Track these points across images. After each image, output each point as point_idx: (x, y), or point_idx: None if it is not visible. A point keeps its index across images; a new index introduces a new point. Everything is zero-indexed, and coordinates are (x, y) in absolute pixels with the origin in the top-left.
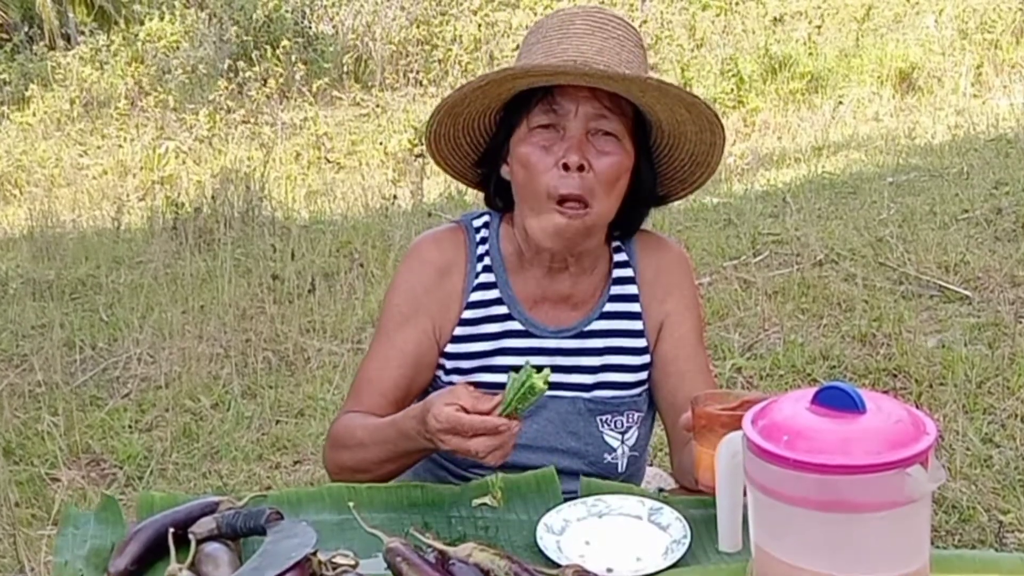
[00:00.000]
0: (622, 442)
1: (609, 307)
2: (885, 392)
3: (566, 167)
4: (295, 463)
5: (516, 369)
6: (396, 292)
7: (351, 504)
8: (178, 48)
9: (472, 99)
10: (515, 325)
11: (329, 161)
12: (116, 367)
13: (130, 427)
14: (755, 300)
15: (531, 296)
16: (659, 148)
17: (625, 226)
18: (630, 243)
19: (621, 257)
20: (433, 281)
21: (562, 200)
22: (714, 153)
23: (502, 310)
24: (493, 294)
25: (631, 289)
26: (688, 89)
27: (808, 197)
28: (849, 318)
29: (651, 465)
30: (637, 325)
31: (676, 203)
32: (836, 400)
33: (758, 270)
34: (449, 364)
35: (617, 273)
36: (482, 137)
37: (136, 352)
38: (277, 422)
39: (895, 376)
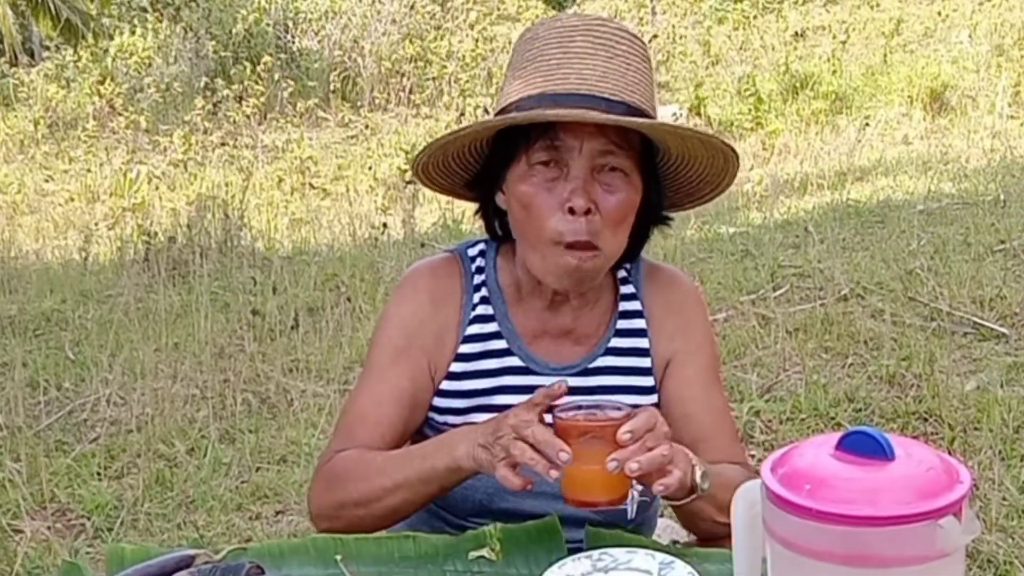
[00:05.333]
0: (632, 486)
1: (615, 342)
2: (915, 437)
3: (572, 211)
4: (277, 513)
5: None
6: (388, 324)
7: (338, 558)
8: (151, 65)
9: (467, 138)
10: (515, 361)
11: (314, 187)
12: (83, 409)
13: (99, 474)
14: (775, 338)
15: (531, 330)
16: (667, 167)
17: (628, 251)
18: (637, 274)
19: (628, 289)
20: (428, 313)
21: (569, 246)
22: (726, 176)
23: (500, 344)
24: (491, 327)
25: (639, 323)
26: (703, 109)
27: (832, 226)
28: (876, 357)
29: (662, 516)
30: (645, 362)
31: (690, 233)
32: (862, 446)
33: (778, 305)
34: (443, 403)
35: (624, 306)
36: (474, 160)
37: (105, 393)
38: (258, 469)
39: (926, 420)
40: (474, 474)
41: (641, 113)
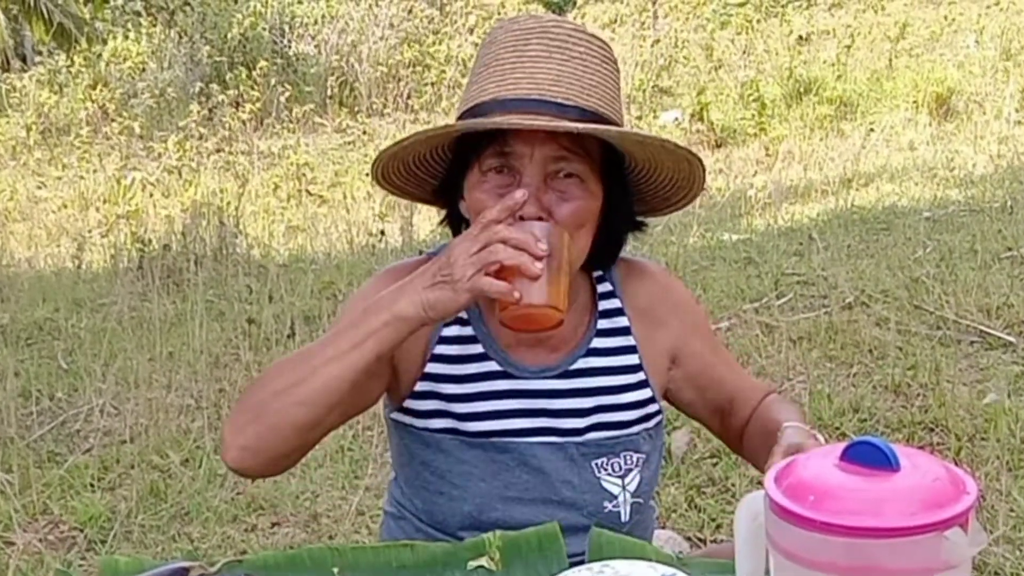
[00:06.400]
0: (623, 487)
1: (598, 343)
2: (921, 448)
3: (522, 219)
4: (273, 525)
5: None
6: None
7: (335, 570)
8: (144, 70)
9: (414, 147)
10: (492, 366)
11: (311, 194)
12: (76, 420)
13: (92, 485)
14: (778, 346)
15: (504, 338)
16: (635, 172)
17: (603, 256)
18: (611, 272)
19: (605, 288)
20: None
21: None
22: (695, 182)
23: (476, 349)
24: (467, 331)
25: (621, 321)
26: (705, 115)
27: (836, 233)
28: (881, 366)
29: (663, 528)
30: (632, 359)
31: (692, 240)
32: (867, 456)
33: (781, 314)
34: (417, 405)
35: (603, 305)
36: (440, 166)
37: (98, 403)
38: (253, 480)
39: (932, 430)
40: (419, 325)
41: (598, 117)
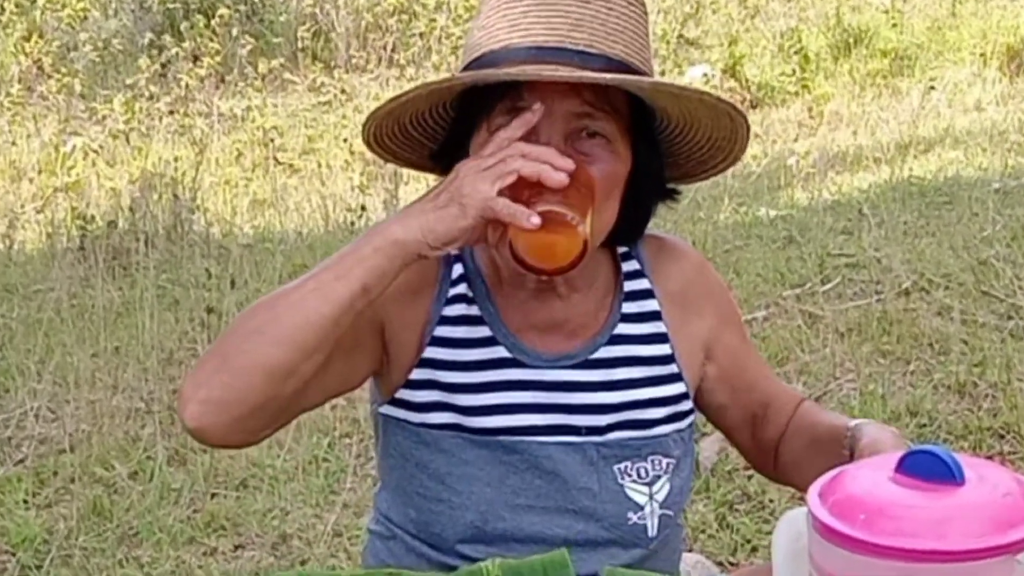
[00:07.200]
0: (650, 497)
1: (623, 329)
2: (989, 457)
3: None
4: (236, 548)
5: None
6: None
7: None
8: (86, 18)
9: (413, 104)
10: (501, 352)
11: (279, 162)
12: (7, 426)
13: (26, 502)
14: (824, 340)
15: (515, 323)
16: (668, 132)
17: (628, 229)
18: (638, 248)
19: (631, 266)
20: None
21: None
22: (737, 142)
23: (483, 332)
24: (473, 311)
25: (650, 305)
26: (738, 70)
27: (891, 208)
28: (944, 363)
29: (690, 550)
30: (663, 349)
31: (723, 216)
32: (927, 468)
33: (827, 301)
34: (414, 396)
35: (629, 286)
36: (440, 126)
37: (33, 406)
38: (213, 496)
39: (1002, 437)
40: (415, 254)
41: (626, 67)
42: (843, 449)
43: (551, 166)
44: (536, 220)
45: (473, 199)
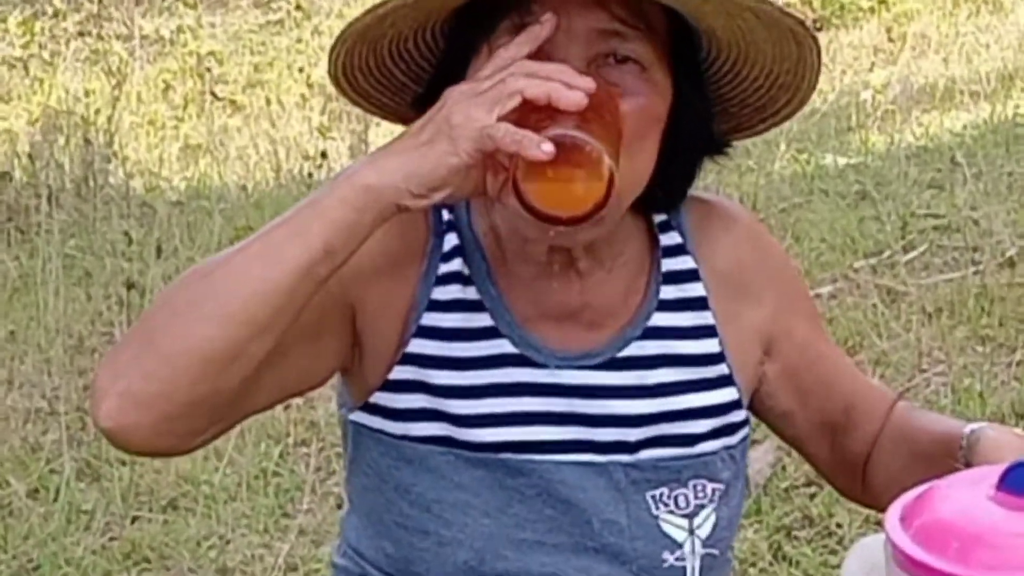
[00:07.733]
0: (691, 532)
1: (660, 319)
2: None
3: None
4: None
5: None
6: None
7: None
8: None
9: (396, 21)
10: (505, 347)
11: (218, 98)
12: None
13: None
14: (906, 322)
15: (522, 310)
16: (716, 69)
17: (667, 191)
18: (680, 217)
19: (671, 239)
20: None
21: None
22: (805, 74)
23: (484, 321)
24: (470, 294)
25: (695, 290)
26: None
27: (991, 156)
28: None
29: None
30: (711, 346)
31: (779, 166)
32: None
33: (911, 274)
34: (393, 402)
35: (668, 266)
36: (425, 61)
37: None
38: (134, 519)
39: None
40: (392, 207)
41: None
42: (957, 463)
43: (564, 85)
44: (548, 147)
45: (466, 129)
